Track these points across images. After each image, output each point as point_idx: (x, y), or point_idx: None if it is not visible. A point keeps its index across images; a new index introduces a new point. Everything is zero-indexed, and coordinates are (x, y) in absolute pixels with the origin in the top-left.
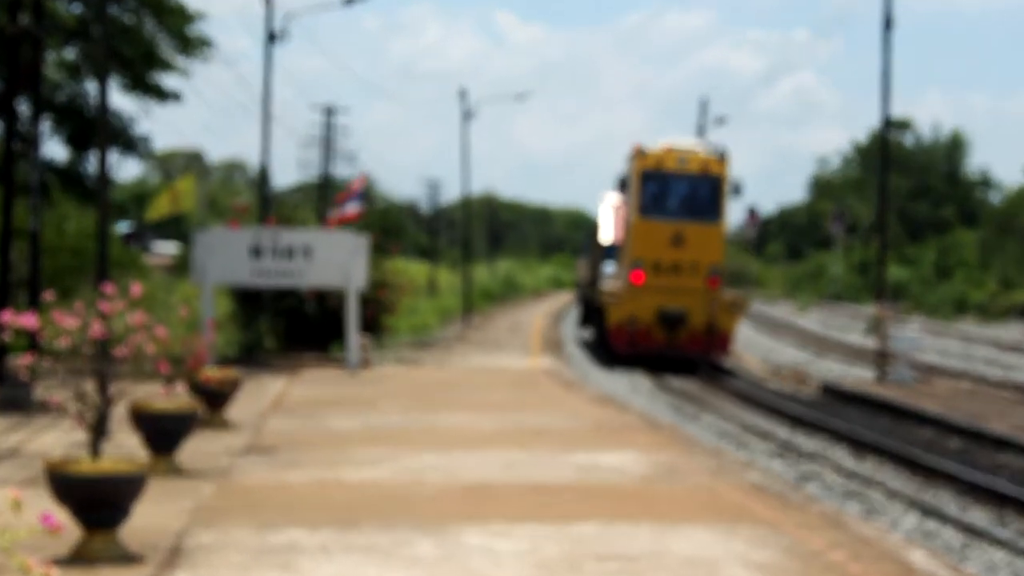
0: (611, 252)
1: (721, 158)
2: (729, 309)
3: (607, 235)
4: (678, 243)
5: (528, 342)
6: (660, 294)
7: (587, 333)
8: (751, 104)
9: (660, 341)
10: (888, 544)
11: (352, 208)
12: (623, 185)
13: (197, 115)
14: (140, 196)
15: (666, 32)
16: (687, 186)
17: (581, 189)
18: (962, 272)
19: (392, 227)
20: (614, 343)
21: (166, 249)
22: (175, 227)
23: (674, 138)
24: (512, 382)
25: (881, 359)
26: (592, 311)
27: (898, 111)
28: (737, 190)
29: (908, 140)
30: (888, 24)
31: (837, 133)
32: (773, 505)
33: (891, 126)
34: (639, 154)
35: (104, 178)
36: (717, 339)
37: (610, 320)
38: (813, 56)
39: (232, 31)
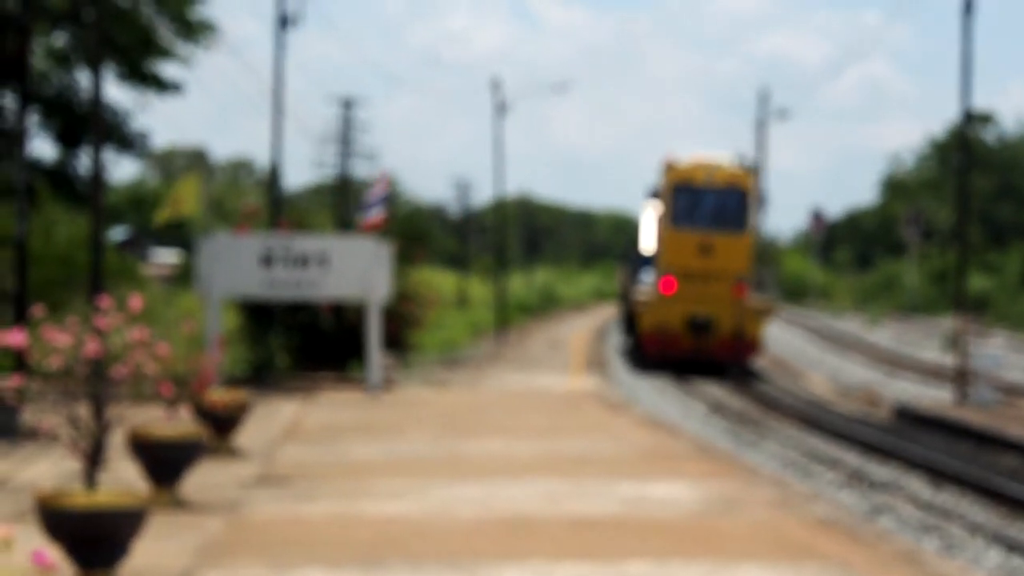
0: (649, 261)
1: (747, 172)
2: (755, 316)
3: (648, 244)
4: (706, 253)
5: (568, 360)
6: (689, 302)
7: (629, 342)
8: (815, 96)
9: (689, 347)
10: None
11: (376, 213)
12: (654, 196)
13: (200, 108)
14: (137, 199)
15: (719, 15)
16: (715, 198)
17: (626, 190)
18: None
19: (417, 233)
20: (646, 349)
21: (166, 257)
22: (176, 233)
23: (703, 152)
24: (551, 405)
25: (960, 378)
26: (630, 319)
27: (979, 103)
28: (763, 203)
29: (990, 135)
30: (968, 7)
31: (912, 128)
32: (842, 541)
33: (972, 120)
34: (670, 168)
35: (98, 179)
36: (744, 345)
37: (642, 327)
38: (885, 43)
39: (239, 15)
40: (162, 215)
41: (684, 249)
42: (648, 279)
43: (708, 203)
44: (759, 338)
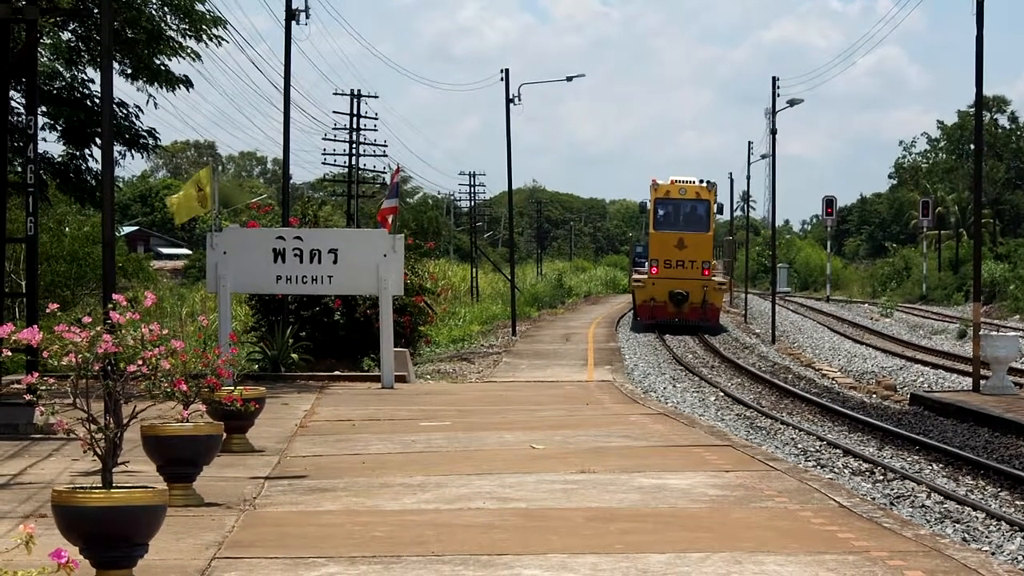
0: (644, 254)
1: (709, 188)
2: (717, 290)
3: (642, 242)
4: (681, 246)
5: (582, 352)
6: (670, 281)
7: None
8: (827, 83)
9: (671, 313)
10: (994, 571)
11: (389, 204)
12: (643, 208)
13: (209, 103)
14: (145, 194)
15: (730, 4)
16: (687, 208)
17: (639, 180)
18: None
19: (429, 225)
20: (640, 315)
21: (175, 252)
22: (185, 228)
23: (677, 177)
24: (566, 397)
25: (977, 366)
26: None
27: (992, 90)
28: (720, 210)
29: (1003, 121)
30: None
31: (925, 117)
32: (862, 530)
33: (985, 105)
34: (654, 186)
35: (109, 176)
36: (710, 310)
37: (637, 300)
38: (897, 30)
39: (248, 9)
40: (181, 215)
41: (665, 244)
42: (642, 266)
43: (681, 211)
44: (720, 304)
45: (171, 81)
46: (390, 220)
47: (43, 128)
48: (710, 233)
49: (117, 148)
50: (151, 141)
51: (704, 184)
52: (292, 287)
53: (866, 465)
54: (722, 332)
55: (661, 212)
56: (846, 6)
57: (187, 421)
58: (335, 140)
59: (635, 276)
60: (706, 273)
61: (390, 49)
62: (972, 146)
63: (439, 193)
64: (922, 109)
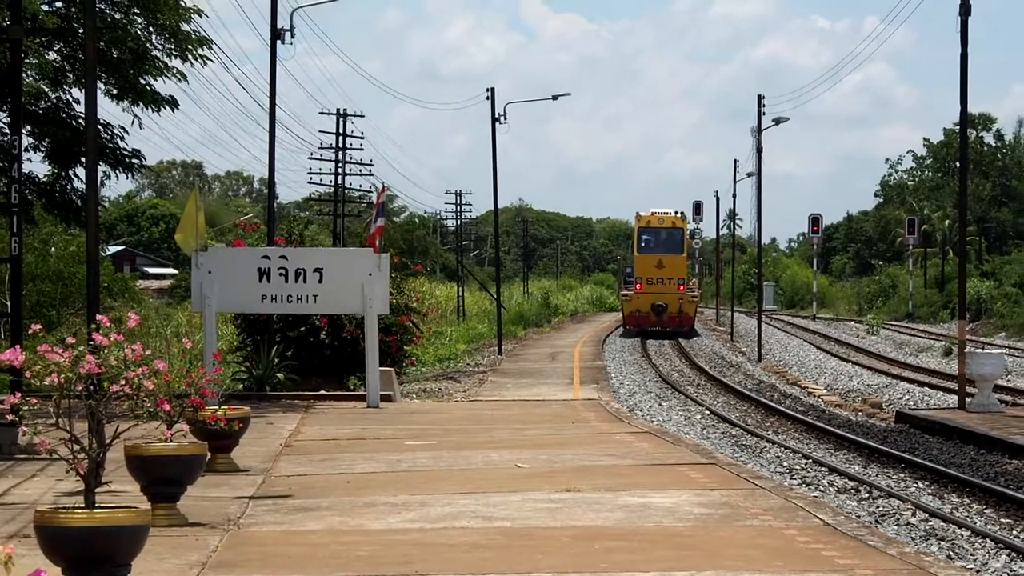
0: (631, 273)
1: (682, 218)
2: (691, 302)
3: (628, 263)
4: (660, 266)
5: (568, 371)
6: (652, 295)
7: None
8: (814, 101)
9: (653, 321)
10: None
11: (376, 225)
12: (628, 237)
13: (195, 123)
14: (131, 214)
15: (717, 23)
16: (664, 235)
17: (626, 199)
18: None
19: (416, 244)
20: (628, 323)
21: (161, 272)
22: (171, 248)
23: (657, 209)
24: (552, 415)
25: (962, 384)
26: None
27: (977, 107)
28: (692, 235)
29: (988, 139)
30: (966, 10)
31: (911, 135)
32: (848, 548)
33: (970, 122)
34: (638, 217)
35: (94, 196)
36: (684, 319)
37: (625, 311)
38: (884, 48)
39: (234, 29)
40: (188, 241)
41: (647, 265)
42: (630, 284)
43: (660, 238)
44: (693, 313)
45: (157, 101)
46: (378, 242)
47: (28, 148)
48: (684, 255)
49: (102, 168)
50: (136, 161)
51: (678, 215)
52: (277, 306)
53: (851, 483)
54: (696, 336)
55: (643, 239)
56: (834, 24)
57: (171, 441)
58: (321, 159)
59: (623, 292)
60: (681, 288)
61: (377, 68)
62: (958, 164)
63: (426, 212)
64: (908, 127)
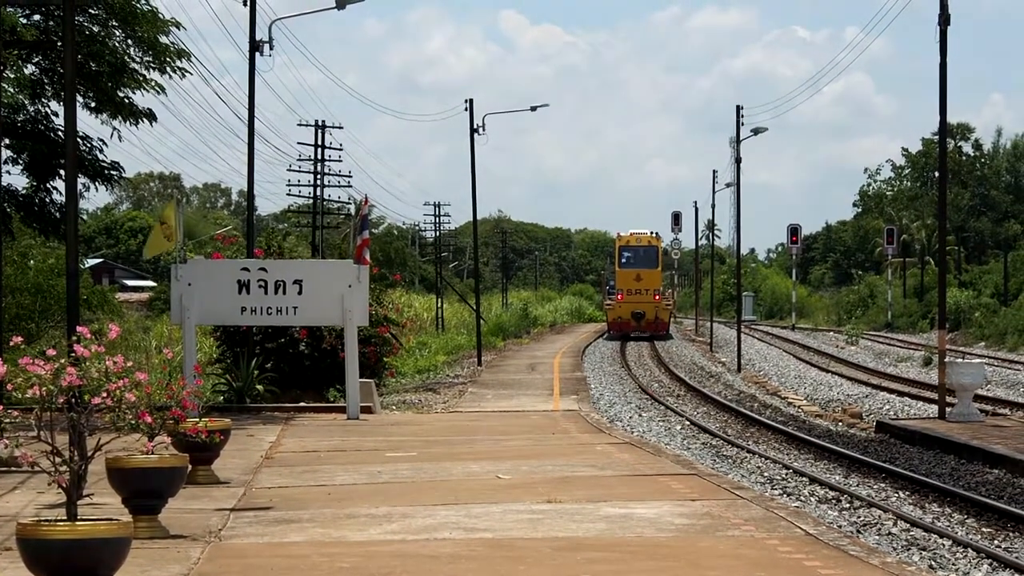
0: (613, 285)
1: (657, 237)
2: (666, 309)
3: (610, 276)
4: (638, 279)
5: (548, 382)
6: (632, 304)
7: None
8: (793, 111)
9: (633, 327)
10: None
11: (362, 237)
12: (608, 250)
13: (174, 135)
14: (110, 226)
15: (696, 33)
16: (641, 252)
17: (605, 210)
18: None
19: (395, 256)
20: (611, 329)
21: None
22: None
23: (635, 229)
24: (532, 427)
25: (943, 393)
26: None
27: (956, 117)
28: (666, 253)
29: (967, 149)
30: (945, 19)
31: (890, 145)
32: (829, 558)
33: (949, 132)
34: (618, 237)
35: (73, 208)
36: (660, 324)
37: (609, 318)
38: (863, 58)
39: (213, 42)
40: (150, 249)
41: (627, 278)
42: (612, 295)
43: (638, 253)
44: (668, 320)
45: (135, 114)
46: (367, 255)
47: (7, 161)
48: (659, 269)
49: (81, 181)
50: (115, 173)
51: (653, 234)
52: (257, 318)
53: (832, 493)
54: (670, 339)
55: (624, 255)
56: (813, 34)
57: (152, 453)
58: (300, 171)
59: (607, 302)
60: (657, 298)
61: (356, 80)
62: (936, 174)
63: (404, 223)
64: (887, 137)
